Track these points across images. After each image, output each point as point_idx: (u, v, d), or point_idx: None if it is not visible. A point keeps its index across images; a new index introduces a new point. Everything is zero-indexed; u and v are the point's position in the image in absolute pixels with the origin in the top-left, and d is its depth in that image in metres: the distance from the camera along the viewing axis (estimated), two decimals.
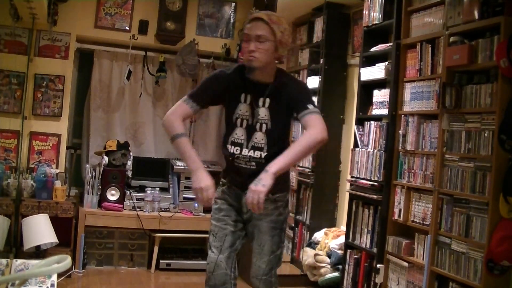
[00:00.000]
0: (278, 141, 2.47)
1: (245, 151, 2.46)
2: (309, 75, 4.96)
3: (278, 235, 2.53)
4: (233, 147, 2.48)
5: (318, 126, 2.30)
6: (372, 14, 3.94)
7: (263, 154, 2.44)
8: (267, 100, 2.45)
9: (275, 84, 2.44)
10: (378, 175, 3.69)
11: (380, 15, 3.86)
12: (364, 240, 3.83)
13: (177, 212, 4.78)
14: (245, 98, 2.48)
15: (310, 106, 2.36)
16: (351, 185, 4.02)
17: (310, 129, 2.30)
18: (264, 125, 2.45)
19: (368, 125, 3.90)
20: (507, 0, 2.85)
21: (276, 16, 2.41)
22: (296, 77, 2.57)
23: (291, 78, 2.58)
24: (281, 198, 2.53)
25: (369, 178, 3.79)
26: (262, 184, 2.18)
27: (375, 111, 3.86)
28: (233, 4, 5.19)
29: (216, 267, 2.55)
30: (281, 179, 2.41)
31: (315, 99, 4.73)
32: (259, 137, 2.46)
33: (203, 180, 2.30)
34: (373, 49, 3.94)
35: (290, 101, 2.42)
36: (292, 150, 2.28)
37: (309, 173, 4.70)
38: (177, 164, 4.90)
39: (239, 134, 2.48)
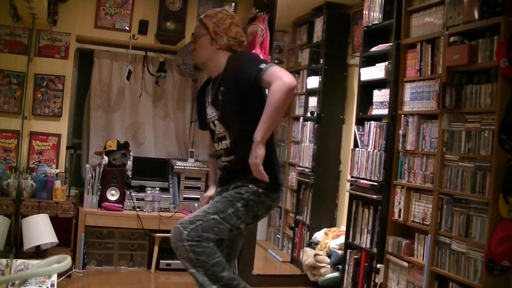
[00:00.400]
0: (236, 120, 2.41)
1: (216, 146, 2.54)
2: (309, 75, 4.96)
3: (221, 203, 2.38)
4: (217, 146, 2.56)
5: (278, 76, 2.18)
6: (372, 14, 3.94)
7: (228, 142, 2.46)
8: (221, 88, 2.43)
9: (224, 70, 2.43)
10: (378, 175, 3.69)
11: (380, 15, 3.86)
12: (364, 240, 3.83)
13: (177, 212, 4.78)
14: (207, 100, 2.55)
15: (262, 65, 2.25)
16: (351, 185, 4.02)
17: (272, 83, 2.18)
18: (215, 115, 2.48)
19: (368, 125, 3.90)
20: (507, 0, 2.85)
21: (213, 11, 2.50)
22: (232, 54, 2.48)
23: (237, 53, 2.48)
24: (248, 183, 2.40)
25: (369, 178, 3.79)
26: (254, 156, 2.22)
27: (375, 111, 3.86)
28: (233, 4, 5.19)
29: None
30: (241, 171, 2.41)
31: (314, 99, 4.75)
32: (218, 127, 2.50)
33: (208, 191, 2.75)
34: (373, 49, 3.94)
35: (238, 77, 2.34)
36: (266, 112, 2.20)
37: (309, 173, 4.70)
38: (177, 164, 4.90)
39: (216, 131, 2.54)
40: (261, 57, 2.43)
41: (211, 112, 2.52)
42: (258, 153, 2.22)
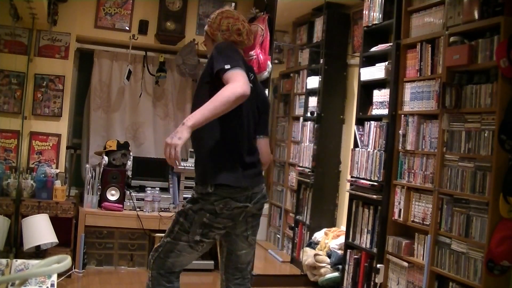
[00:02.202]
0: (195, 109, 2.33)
1: None
2: (309, 75, 4.96)
3: (172, 223, 2.44)
4: None
5: (238, 80, 2.18)
6: (372, 14, 3.94)
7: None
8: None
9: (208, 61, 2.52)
10: (378, 175, 3.69)
11: (380, 15, 3.86)
12: (364, 240, 3.83)
13: None
14: None
15: (228, 66, 2.25)
16: (351, 185, 4.02)
17: (230, 83, 2.19)
18: None
19: (368, 125, 3.90)
20: (507, 0, 2.85)
21: (214, 14, 2.62)
22: (221, 42, 2.52)
23: (216, 44, 2.54)
24: (193, 191, 2.42)
25: (369, 178, 3.79)
26: (178, 136, 2.09)
27: (375, 111, 3.86)
28: (233, 4, 5.19)
29: None
30: (197, 171, 2.42)
31: (314, 99, 4.75)
32: None
33: None
34: (373, 49, 3.94)
35: (207, 65, 2.47)
36: (211, 102, 2.14)
37: (309, 173, 4.70)
38: None
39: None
40: (234, 57, 2.37)
41: None
42: (184, 135, 2.09)
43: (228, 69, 2.24)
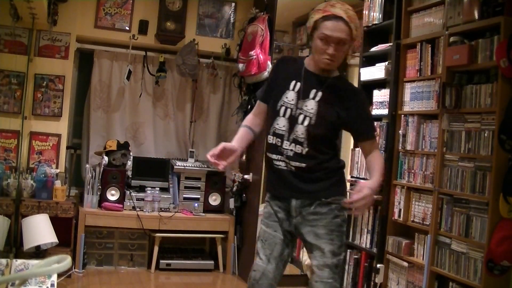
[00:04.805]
0: (320, 141, 2.34)
1: (286, 144, 2.34)
2: None
3: (337, 238, 2.37)
4: (274, 138, 2.38)
5: (378, 147, 2.56)
6: (372, 14, 3.94)
7: (304, 150, 2.31)
8: (319, 93, 2.32)
9: (335, 81, 2.34)
10: None
11: (380, 15, 3.86)
12: (364, 240, 3.83)
13: (177, 212, 4.78)
14: (294, 86, 2.37)
15: (373, 131, 2.47)
16: (351, 185, 4.02)
17: (376, 151, 2.44)
18: (307, 119, 2.31)
19: None
20: (507, 0, 2.85)
21: (352, 11, 2.26)
22: (357, 88, 2.48)
23: (357, 89, 2.53)
24: (335, 201, 2.37)
25: (369, 178, 3.78)
26: (370, 195, 2.21)
27: (375, 111, 3.86)
28: (233, 4, 5.19)
29: (262, 276, 2.41)
30: (334, 182, 2.41)
31: None
32: (300, 129, 2.32)
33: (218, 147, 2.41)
34: (373, 49, 3.94)
35: (348, 118, 2.34)
36: (380, 170, 2.38)
37: None
38: (177, 164, 4.90)
39: (281, 124, 2.36)
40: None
41: (302, 104, 2.34)
42: (372, 198, 2.25)
43: (375, 137, 2.47)
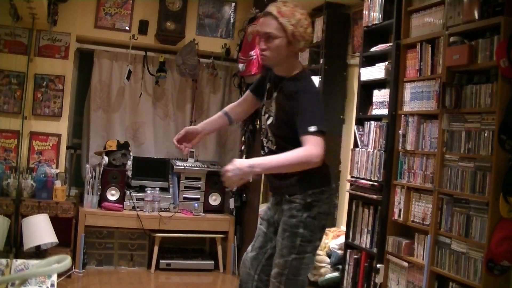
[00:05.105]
0: (284, 140, 2.35)
1: (265, 141, 2.45)
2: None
3: (288, 239, 2.32)
4: (261, 135, 2.49)
5: (315, 146, 2.19)
6: (372, 14, 3.93)
7: (273, 147, 2.39)
8: (275, 94, 2.38)
9: (288, 82, 2.34)
10: (378, 175, 3.69)
11: (380, 15, 3.85)
12: (364, 240, 3.82)
13: (177, 212, 4.78)
14: (267, 87, 2.47)
15: (312, 128, 2.21)
16: (351, 185, 4.02)
17: (307, 145, 2.19)
18: (270, 118, 2.39)
19: (368, 125, 3.90)
20: (507, 0, 2.85)
21: (289, 8, 2.28)
22: (311, 85, 2.38)
23: (305, 86, 2.34)
24: (295, 199, 2.35)
25: (369, 178, 3.78)
26: (239, 168, 2.15)
27: (375, 111, 3.86)
28: (233, 4, 5.19)
29: (242, 263, 2.55)
30: (299, 179, 2.32)
31: None
32: (268, 129, 2.42)
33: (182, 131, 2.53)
34: (373, 49, 3.93)
35: (295, 113, 2.28)
36: (282, 159, 2.19)
37: None
38: (177, 164, 4.90)
39: (262, 123, 2.47)
40: (321, 110, 2.35)
41: (269, 104, 2.43)
42: (244, 171, 2.16)
43: (310, 132, 2.20)
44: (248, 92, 2.61)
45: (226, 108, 2.63)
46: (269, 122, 2.40)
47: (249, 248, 2.55)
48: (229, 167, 2.15)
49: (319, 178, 2.39)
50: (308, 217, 2.32)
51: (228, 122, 2.61)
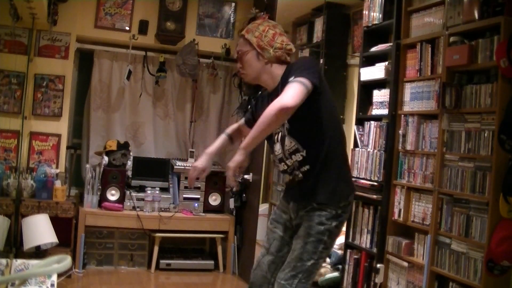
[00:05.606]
0: (307, 133, 2.32)
1: (289, 162, 2.38)
2: None
3: (311, 244, 2.32)
4: (280, 164, 2.45)
5: (284, 94, 2.12)
6: (372, 14, 3.94)
7: (303, 153, 2.33)
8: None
9: (281, 82, 2.34)
10: (378, 175, 3.69)
11: (380, 15, 3.86)
12: (364, 240, 3.83)
13: (177, 212, 4.78)
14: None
15: (291, 78, 2.18)
16: None
17: (280, 95, 2.14)
18: (285, 129, 2.35)
19: (368, 125, 3.90)
20: (507, 0, 2.85)
21: (254, 24, 2.42)
22: (302, 56, 2.44)
23: (294, 62, 2.40)
24: (326, 208, 2.34)
25: (369, 178, 3.79)
26: (232, 160, 2.21)
27: (375, 111, 3.86)
28: (233, 4, 5.19)
29: (257, 266, 2.52)
30: (327, 190, 2.32)
31: None
32: (287, 142, 2.36)
33: (199, 160, 2.51)
34: (373, 49, 3.94)
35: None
36: (257, 124, 2.17)
37: None
38: (177, 164, 4.90)
39: (277, 149, 2.42)
40: (313, 67, 2.32)
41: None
42: (236, 158, 2.20)
43: (289, 82, 2.16)
44: (243, 123, 2.65)
45: (229, 132, 2.67)
46: (286, 132, 2.35)
47: (263, 251, 2.53)
48: (228, 165, 2.22)
49: (349, 189, 2.46)
50: (335, 226, 2.36)
51: (230, 142, 2.67)
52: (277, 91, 2.29)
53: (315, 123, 2.32)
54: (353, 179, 3.94)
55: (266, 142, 2.54)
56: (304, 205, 2.38)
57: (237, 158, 2.20)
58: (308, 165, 2.33)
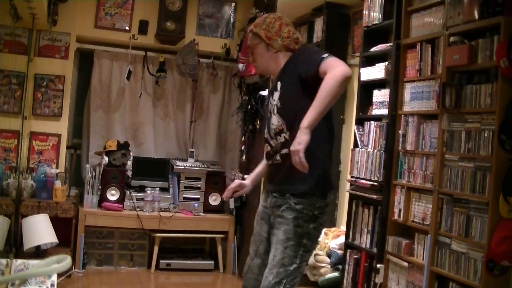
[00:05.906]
0: (295, 114, 2.30)
1: (273, 142, 2.42)
2: None
3: (291, 248, 2.31)
4: (265, 145, 2.49)
5: (335, 65, 2.16)
6: (372, 14, 3.93)
7: (286, 135, 2.34)
8: (278, 83, 2.43)
9: (284, 66, 2.44)
10: (378, 175, 3.69)
11: (380, 15, 3.86)
12: (364, 240, 3.82)
13: (177, 212, 4.78)
14: (268, 97, 2.55)
15: (324, 55, 2.24)
16: (351, 185, 4.02)
17: (328, 71, 2.15)
18: (274, 107, 2.40)
19: (368, 125, 3.90)
20: (507, 0, 2.85)
21: (260, 19, 2.53)
22: (306, 45, 2.54)
23: (299, 49, 2.49)
24: (303, 208, 2.33)
25: (369, 178, 3.79)
26: (298, 142, 2.08)
27: (375, 111, 3.86)
28: (233, 4, 5.19)
29: (248, 270, 2.52)
30: (304, 180, 2.29)
31: None
32: (275, 121, 2.40)
33: (234, 182, 2.66)
34: (373, 49, 3.94)
35: (300, 69, 2.32)
36: (318, 98, 2.12)
37: None
38: (177, 164, 4.90)
39: (265, 130, 2.49)
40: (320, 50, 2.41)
41: (273, 99, 2.45)
42: (303, 139, 2.07)
43: (324, 58, 2.21)
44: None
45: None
46: (275, 111, 2.40)
47: (252, 253, 2.52)
48: (293, 159, 2.10)
49: (325, 189, 2.41)
50: (313, 228, 2.36)
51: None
52: (279, 73, 2.43)
53: (307, 106, 2.21)
54: (353, 179, 3.96)
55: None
56: (279, 201, 2.36)
57: (304, 138, 2.08)
58: (287, 148, 2.29)
